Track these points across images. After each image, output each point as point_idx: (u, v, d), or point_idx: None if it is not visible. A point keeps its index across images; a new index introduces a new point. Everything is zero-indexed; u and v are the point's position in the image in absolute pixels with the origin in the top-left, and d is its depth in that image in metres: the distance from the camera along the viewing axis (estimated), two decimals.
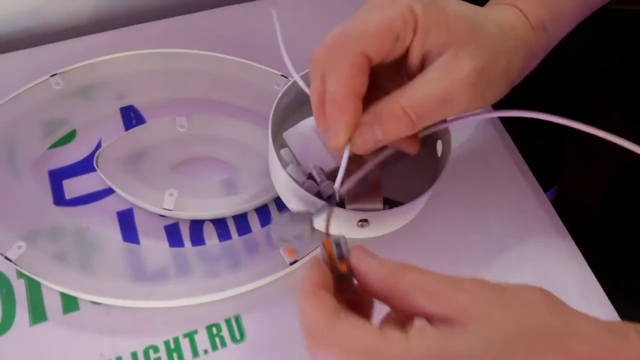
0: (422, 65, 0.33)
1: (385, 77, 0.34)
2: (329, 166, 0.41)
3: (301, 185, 0.39)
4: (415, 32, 0.31)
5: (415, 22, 0.31)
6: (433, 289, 0.26)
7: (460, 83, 0.31)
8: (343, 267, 0.29)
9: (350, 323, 0.26)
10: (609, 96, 0.63)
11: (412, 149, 0.35)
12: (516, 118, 0.54)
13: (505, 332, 0.25)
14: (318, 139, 0.42)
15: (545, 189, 0.50)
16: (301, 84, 0.40)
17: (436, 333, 0.25)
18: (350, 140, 0.32)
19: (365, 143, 0.32)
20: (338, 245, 0.29)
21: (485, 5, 0.36)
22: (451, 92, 0.31)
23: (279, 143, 0.42)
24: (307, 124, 0.42)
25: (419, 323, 0.25)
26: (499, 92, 0.34)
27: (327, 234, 0.31)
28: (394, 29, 0.31)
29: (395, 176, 0.44)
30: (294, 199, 0.41)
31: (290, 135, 0.42)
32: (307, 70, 0.43)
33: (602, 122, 0.60)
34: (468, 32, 0.32)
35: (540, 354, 0.25)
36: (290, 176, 0.39)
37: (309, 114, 0.42)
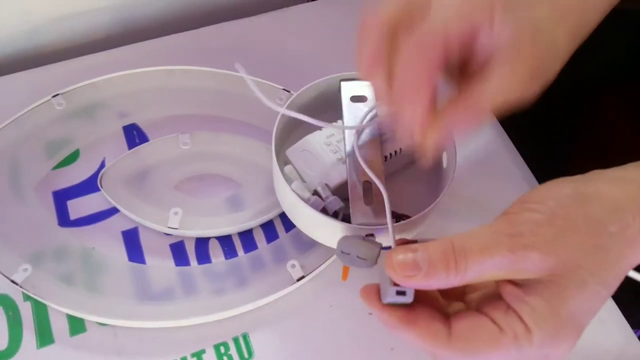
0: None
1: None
2: (333, 182, 0.41)
3: (306, 201, 0.39)
4: (491, 19, 0.30)
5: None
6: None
7: (519, 87, 0.31)
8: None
9: (477, 339, 0.29)
10: (609, 96, 0.63)
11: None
12: (520, 124, 0.54)
13: None
14: (321, 155, 0.42)
15: None
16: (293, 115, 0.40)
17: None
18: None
19: (439, 140, 0.32)
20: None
21: None
22: (511, 97, 0.31)
23: (283, 160, 0.42)
24: (310, 140, 0.42)
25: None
26: (539, 88, 0.33)
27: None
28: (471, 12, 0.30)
29: (401, 189, 0.44)
30: (300, 215, 0.41)
31: (293, 152, 0.42)
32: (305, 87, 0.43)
33: (602, 122, 0.60)
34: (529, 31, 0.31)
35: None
36: (295, 193, 0.39)
37: (312, 130, 0.42)
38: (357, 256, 0.35)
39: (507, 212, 0.30)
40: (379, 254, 0.35)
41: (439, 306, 0.32)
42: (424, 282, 0.29)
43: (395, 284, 0.29)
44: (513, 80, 0.30)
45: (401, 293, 0.30)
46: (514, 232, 0.29)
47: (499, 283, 0.30)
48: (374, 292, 0.32)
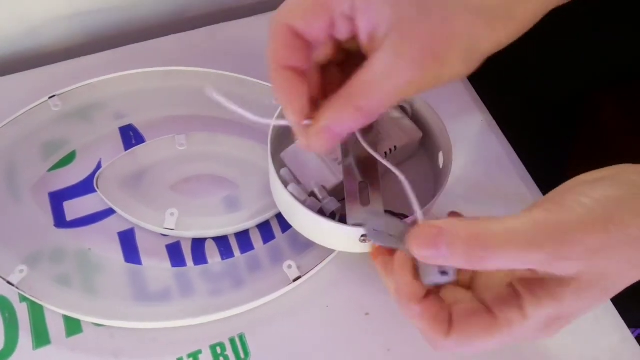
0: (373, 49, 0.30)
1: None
2: (330, 183, 0.41)
3: (303, 203, 0.39)
4: (354, 8, 0.29)
5: None
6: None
7: (409, 71, 0.29)
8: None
9: (468, 329, 0.29)
10: (608, 97, 0.63)
11: None
12: (517, 126, 0.54)
13: None
14: (317, 156, 0.42)
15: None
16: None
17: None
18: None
19: (326, 142, 0.31)
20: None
21: None
22: (400, 83, 0.29)
23: (279, 162, 0.42)
24: None
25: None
26: (459, 69, 0.30)
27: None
28: (324, 3, 0.29)
29: (397, 188, 0.44)
30: (297, 217, 0.41)
31: (288, 154, 0.42)
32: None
33: (600, 123, 0.60)
34: (414, 8, 0.28)
35: None
36: (292, 195, 0.39)
37: None
38: (389, 234, 0.35)
39: (555, 201, 0.28)
40: (407, 231, 0.35)
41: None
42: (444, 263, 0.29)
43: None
44: (401, 63, 0.28)
45: (444, 273, 0.30)
46: (560, 236, 0.27)
47: None
48: (392, 263, 0.32)
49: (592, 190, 0.28)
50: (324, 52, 0.32)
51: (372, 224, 0.35)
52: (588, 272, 0.27)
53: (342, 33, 0.31)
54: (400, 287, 0.32)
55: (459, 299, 0.32)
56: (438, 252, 0.28)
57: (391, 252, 0.34)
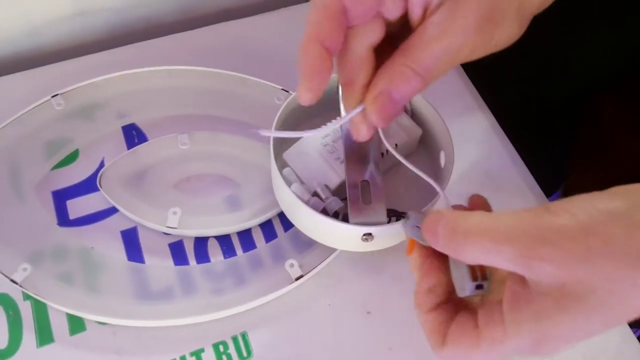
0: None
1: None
2: (333, 182, 0.41)
3: (306, 203, 0.39)
4: None
5: None
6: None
7: (463, 33, 0.29)
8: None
9: (458, 344, 0.30)
10: (608, 97, 0.63)
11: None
12: (517, 126, 0.55)
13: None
14: (319, 156, 0.42)
15: (548, 194, 0.50)
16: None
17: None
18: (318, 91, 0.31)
19: (383, 108, 0.31)
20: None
21: None
22: (457, 43, 0.29)
23: (281, 161, 0.42)
24: (307, 142, 0.42)
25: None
26: (512, 31, 0.31)
27: None
28: None
29: (399, 187, 0.44)
30: (300, 217, 0.41)
31: (291, 154, 0.42)
32: None
33: (600, 123, 0.60)
34: None
35: None
36: (295, 194, 0.39)
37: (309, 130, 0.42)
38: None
39: (547, 207, 0.27)
40: None
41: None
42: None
43: (474, 279, 0.30)
44: (455, 25, 0.29)
45: (479, 287, 0.30)
46: (538, 235, 0.26)
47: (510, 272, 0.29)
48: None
49: (592, 200, 0.27)
50: (375, 34, 0.31)
51: (413, 220, 0.34)
52: (570, 282, 0.26)
53: (392, 9, 0.30)
54: (416, 291, 0.33)
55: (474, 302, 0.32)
56: (435, 237, 0.29)
57: (425, 253, 0.34)
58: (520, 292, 0.28)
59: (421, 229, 0.31)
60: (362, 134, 0.33)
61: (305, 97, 0.31)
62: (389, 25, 0.32)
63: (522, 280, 0.27)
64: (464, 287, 0.30)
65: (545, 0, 0.32)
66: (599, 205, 0.26)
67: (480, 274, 0.30)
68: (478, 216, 0.28)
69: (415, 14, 0.31)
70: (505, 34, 0.31)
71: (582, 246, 0.25)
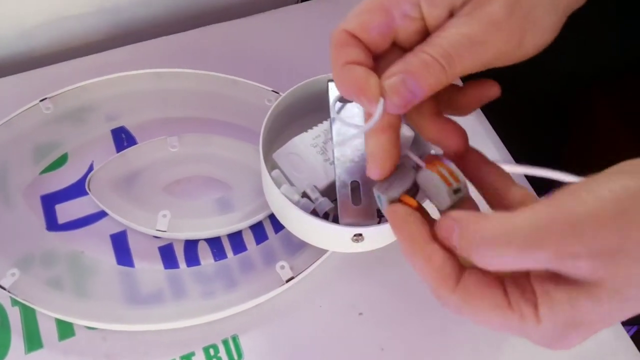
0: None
1: None
2: (322, 183, 0.41)
3: (296, 204, 0.39)
4: None
5: None
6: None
7: (489, 21, 0.28)
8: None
9: (481, 299, 0.27)
10: (601, 92, 0.63)
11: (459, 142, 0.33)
12: (509, 124, 0.54)
13: None
14: (308, 156, 0.42)
15: (539, 193, 0.50)
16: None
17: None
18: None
19: (401, 98, 0.29)
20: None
21: None
22: (480, 32, 0.28)
23: (271, 163, 0.42)
24: (297, 143, 0.42)
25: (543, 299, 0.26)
26: (545, 29, 0.30)
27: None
28: (378, 5, 0.30)
29: None
30: (290, 218, 0.41)
31: (280, 155, 0.42)
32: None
33: (593, 118, 0.60)
34: None
35: None
36: (285, 196, 0.39)
37: (299, 131, 0.42)
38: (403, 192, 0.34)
39: (563, 195, 0.25)
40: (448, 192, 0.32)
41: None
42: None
43: (448, 184, 0.30)
44: (480, 16, 0.28)
45: (457, 191, 0.30)
46: (566, 230, 0.24)
47: None
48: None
49: (608, 180, 0.25)
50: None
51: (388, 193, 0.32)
52: (606, 277, 0.24)
53: (407, 26, 0.30)
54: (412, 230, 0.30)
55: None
56: (453, 246, 0.27)
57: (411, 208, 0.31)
58: (549, 282, 0.26)
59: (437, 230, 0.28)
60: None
61: (376, 176, 0.32)
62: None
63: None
64: (442, 197, 0.30)
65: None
66: (624, 183, 0.24)
67: (452, 178, 0.30)
68: (494, 220, 0.26)
69: (438, 17, 0.30)
70: (540, 30, 0.29)
71: (615, 235, 0.24)
